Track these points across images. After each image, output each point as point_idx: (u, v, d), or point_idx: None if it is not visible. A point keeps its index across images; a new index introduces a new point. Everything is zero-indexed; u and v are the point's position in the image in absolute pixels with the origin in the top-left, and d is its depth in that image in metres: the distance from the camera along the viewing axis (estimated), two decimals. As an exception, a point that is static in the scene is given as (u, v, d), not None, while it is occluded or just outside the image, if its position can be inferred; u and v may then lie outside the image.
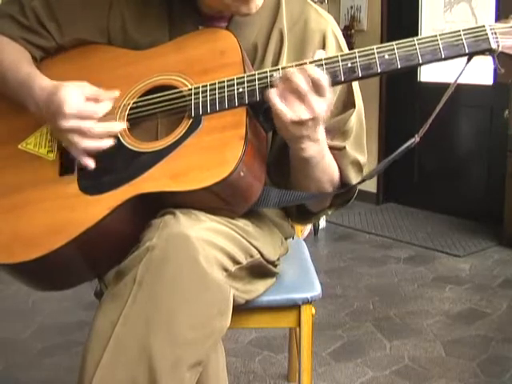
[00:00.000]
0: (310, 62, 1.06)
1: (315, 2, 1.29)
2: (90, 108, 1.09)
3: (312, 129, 1.05)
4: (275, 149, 1.24)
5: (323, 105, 1.03)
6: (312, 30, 1.21)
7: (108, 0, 1.22)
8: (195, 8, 1.20)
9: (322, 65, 1.06)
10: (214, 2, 1.14)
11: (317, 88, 1.02)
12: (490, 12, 3.51)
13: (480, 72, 3.39)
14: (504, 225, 3.27)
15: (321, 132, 1.08)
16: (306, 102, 1.02)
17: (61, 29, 1.23)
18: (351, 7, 4.15)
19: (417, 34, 1.06)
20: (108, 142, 1.11)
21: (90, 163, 1.10)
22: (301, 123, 1.03)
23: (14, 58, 1.21)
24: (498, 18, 3.46)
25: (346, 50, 1.24)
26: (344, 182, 1.22)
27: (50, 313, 2.54)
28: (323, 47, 1.20)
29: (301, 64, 1.06)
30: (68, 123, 1.08)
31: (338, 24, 1.27)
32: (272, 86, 1.05)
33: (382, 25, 4.02)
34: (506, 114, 3.27)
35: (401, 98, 3.98)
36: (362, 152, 1.25)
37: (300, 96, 1.02)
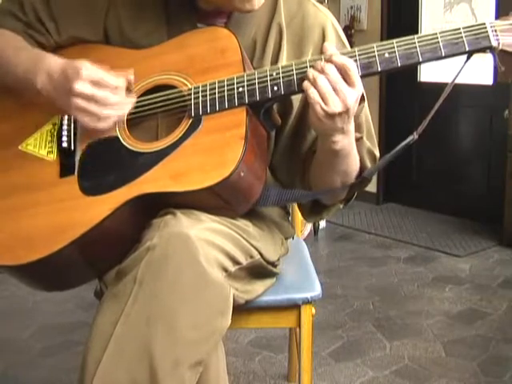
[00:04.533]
0: (311, 60, 1.07)
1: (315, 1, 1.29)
2: (108, 78, 1.08)
3: (345, 121, 1.05)
4: (281, 148, 1.24)
5: (354, 96, 1.03)
6: (311, 24, 1.21)
7: (105, 4, 1.22)
8: (192, 5, 1.20)
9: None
10: None
11: (346, 76, 1.02)
12: (490, 12, 3.51)
13: (480, 72, 3.39)
14: (504, 225, 3.27)
15: (351, 124, 1.08)
16: (339, 93, 1.02)
17: (58, 29, 1.23)
18: (351, 7, 4.15)
19: (417, 34, 1.06)
20: (121, 113, 1.09)
21: (103, 124, 1.10)
22: (334, 116, 1.03)
23: (20, 41, 1.20)
24: (497, 18, 3.45)
25: (346, 42, 1.24)
26: (361, 172, 1.21)
27: (50, 313, 2.54)
28: (323, 41, 1.20)
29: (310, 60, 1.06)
30: (82, 87, 1.06)
31: (338, 24, 1.27)
32: (305, 79, 1.04)
33: (382, 25, 4.02)
34: (506, 113, 3.26)
35: (400, 98, 3.98)
36: (374, 145, 1.25)
37: (333, 87, 1.02)
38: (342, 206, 1.27)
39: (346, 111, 1.03)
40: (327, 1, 4.09)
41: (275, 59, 1.19)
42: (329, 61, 1.03)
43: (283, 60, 1.19)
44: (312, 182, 1.21)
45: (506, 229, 3.26)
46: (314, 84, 1.02)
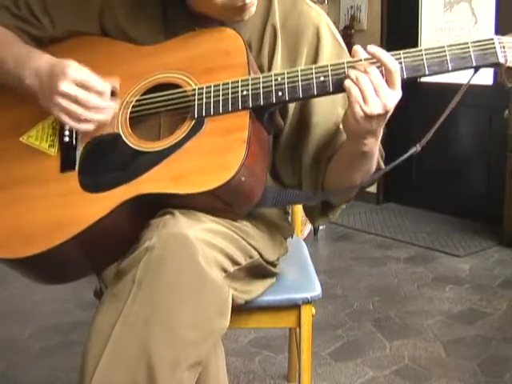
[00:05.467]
0: (316, 67, 1.06)
1: (315, 2, 1.29)
2: (93, 80, 1.08)
3: (380, 124, 1.04)
4: (284, 150, 1.23)
5: (395, 98, 1.02)
6: (305, 24, 1.20)
7: (99, 5, 1.21)
8: (190, 10, 1.19)
9: (327, 70, 1.05)
10: (208, 8, 1.14)
11: (388, 77, 1.01)
12: (490, 12, 3.51)
13: (480, 72, 3.38)
14: (504, 225, 3.27)
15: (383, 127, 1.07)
16: (380, 95, 1.01)
17: (53, 23, 1.22)
18: (351, 7, 4.15)
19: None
20: (103, 117, 1.09)
21: (85, 126, 1.09)
22: (373, 117, 1.02)
23: (10, 37, 1.20)
24: (498, 19, 3.45)
25: (341, 41, 1.24)
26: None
27: (48, 313, 2.53)
28: (317, 40, 1.20)
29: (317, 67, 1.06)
30: (67, 86, 1.06)
31: (338, 24, 1.27)
32: (344, 78, 1.03)
33: (382, 25, 4.02)
34: (506, 114, 3.26)
35: (401, 98, 3.97)
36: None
37: (375, 88, 1.01)
38: (344, 207, 1.27)
39: (385, 113, 1.02)
40: (327, 1, 4.09)
41: (270, 60, 1.19)
42: (376, 57, 1.02)
43: (278, 61, 1.19)
44: (330, 182, 1.19)
45: (506, 229, 3.26)
46: (357, 83, 1.01)
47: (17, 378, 2.05)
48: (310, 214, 1.30)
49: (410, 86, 3.87)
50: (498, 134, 3.48)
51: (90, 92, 1.08)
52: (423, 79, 3.88)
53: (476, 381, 1.98)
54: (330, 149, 1.18)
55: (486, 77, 3.45)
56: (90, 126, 1.10)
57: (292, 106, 1.20)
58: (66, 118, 1.09)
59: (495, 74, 3.42)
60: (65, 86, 1.07)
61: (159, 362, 0.96)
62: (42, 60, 1.12)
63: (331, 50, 1.20)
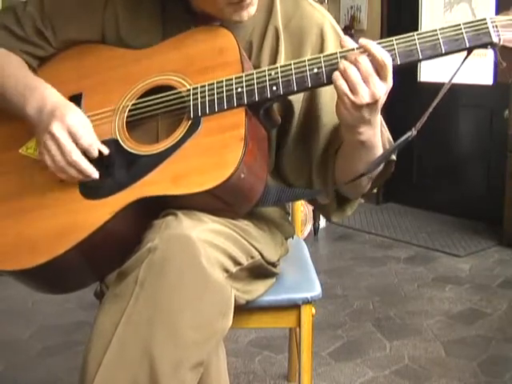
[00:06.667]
0: (309, 59, 1.06)
1: (315, 2, 1.29)
2: (86, 137, 1.09)
3: (373, 112, 1.04)
4: (289, 153, 1.22)
5: (384, 89, 1.01)
6: (309, 25, 1.20)
7: (102, 4, 1.21)
8: (188, 8, 1.19)
9: (320, 62, 1.05)
10: (208, 6, 1.13)
11: (380, 69, 1.01)
12: (490, 12, 3.51)
13: (480, 72, 3.39)
14: (504, 225, 3.27)
15: (378, 116, 1.07)
16: (370, 85, 1.00)
17: (55, 34, 1.22)
18: (351, 7, 4.15)
19: (416, 31, 1.05)
20: (76, 176, 1.10)
21: (60, 175, 1.11)
22: (362, 107, 1.02)
23: (17, 64, 1.20)
24: (498, 14, 3.45)
25: None
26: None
27: (49, 313, 2.54)
28: (322, 40, 1.19)
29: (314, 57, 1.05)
30: (57, 130, 1.08)
31: (338, 24, 1.26)
32: (337, 69, 1.03)
33: (381, 25, 4.02)
34: (506, 114, 3.26)
35: (400, 98, 3.97)
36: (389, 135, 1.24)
37: (364, 78, 1.00)
38: (363, 201, 1.25)
39: (375, 102, 1.02)
40: (327, 1, 4.09)
41: (273, 61, 1.19)
42: (366, 50, 1.01)
43: (281, 62, 1.18)
44: (338, 176, 1.18)
45: (506, 229, 3.26)
46: (344, 75, 1.01)
47: (17, 378, 2.05)
48: (324, 210, 1.28)
49: (410, 86, 3.83)
50: (498, 134, 3.48)
51: (75, 146, 1.09)
52: (423, 79, 3.90)
53: (476, 381, 1.98)
54: (336, 142, 1.18)
55: (485, 77, 3.45)
56: (65, 175, 1.10)
57: (298, 107, 1.20)
58: (46, 157, 1.10)
59: (495, 74, 3.42)
60: (56, 128, 1.08)
61: (161, 362, 0.96)
62: (52, 97, 1.13)
63: (336, 49, 1.19)
